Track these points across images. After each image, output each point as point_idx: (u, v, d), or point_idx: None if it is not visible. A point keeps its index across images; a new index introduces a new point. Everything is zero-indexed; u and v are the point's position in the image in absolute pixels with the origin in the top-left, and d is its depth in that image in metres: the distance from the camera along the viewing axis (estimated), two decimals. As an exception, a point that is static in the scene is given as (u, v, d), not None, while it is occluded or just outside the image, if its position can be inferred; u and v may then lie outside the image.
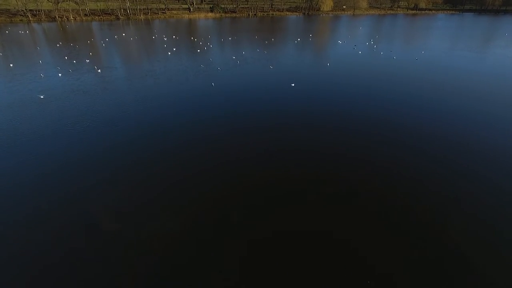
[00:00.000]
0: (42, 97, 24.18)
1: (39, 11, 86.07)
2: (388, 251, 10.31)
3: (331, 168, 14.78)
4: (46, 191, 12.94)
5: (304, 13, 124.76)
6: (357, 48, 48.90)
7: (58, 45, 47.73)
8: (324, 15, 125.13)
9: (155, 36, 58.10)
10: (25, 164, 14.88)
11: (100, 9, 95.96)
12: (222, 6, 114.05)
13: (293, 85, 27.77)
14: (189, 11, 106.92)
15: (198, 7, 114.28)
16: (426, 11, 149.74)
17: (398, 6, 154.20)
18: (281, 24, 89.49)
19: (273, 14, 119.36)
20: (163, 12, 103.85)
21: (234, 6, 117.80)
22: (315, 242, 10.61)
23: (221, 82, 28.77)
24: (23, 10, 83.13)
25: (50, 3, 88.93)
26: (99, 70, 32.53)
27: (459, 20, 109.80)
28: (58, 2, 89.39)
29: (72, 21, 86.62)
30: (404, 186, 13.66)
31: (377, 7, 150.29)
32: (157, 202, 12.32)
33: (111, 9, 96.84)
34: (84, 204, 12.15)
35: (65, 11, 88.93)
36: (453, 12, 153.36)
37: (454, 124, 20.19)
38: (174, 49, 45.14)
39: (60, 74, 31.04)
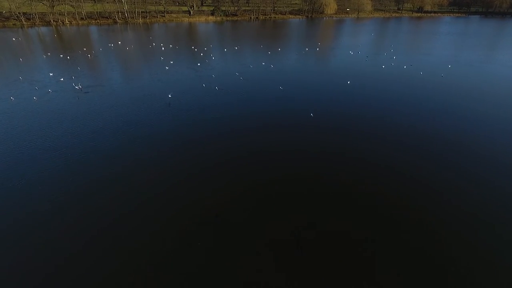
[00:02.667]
0: None
1: (33, 14, 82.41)
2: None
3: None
4: None
5: (307, 16, 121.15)
6: (370, 59, 45.42)
7: (45, 56, 44.17)
8: (327, 18, 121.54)
9: (152, 45, 54.43)
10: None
11: (97, 12, 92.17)
12: (223, 9, 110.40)
13: (312, 115, 23.55)
14: (189, 15, 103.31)
15: (198, 10, 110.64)
16: (431, 13, 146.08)
17: (403, 9, 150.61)
18: (285, 29, 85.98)
19: (275, 17, 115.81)
20: (162, 16, 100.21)
21: (236, 9, 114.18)
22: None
23: (223, 109, 25.21)
24: (16, 14, 79.55)
25: (45, 6, 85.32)
26: (87, 92, 28.87)
27: (468, 24, 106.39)
28: (54, 6, 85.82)
29: (68, 25, 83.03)
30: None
31: (382, 10, 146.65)
32: None
33: (108, 12, 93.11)
34: None
35: (60, 14, 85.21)
36: (459, 15, 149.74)
37: None
38: (172, 62, 41.47)
39: (35, 98, 26.59)
